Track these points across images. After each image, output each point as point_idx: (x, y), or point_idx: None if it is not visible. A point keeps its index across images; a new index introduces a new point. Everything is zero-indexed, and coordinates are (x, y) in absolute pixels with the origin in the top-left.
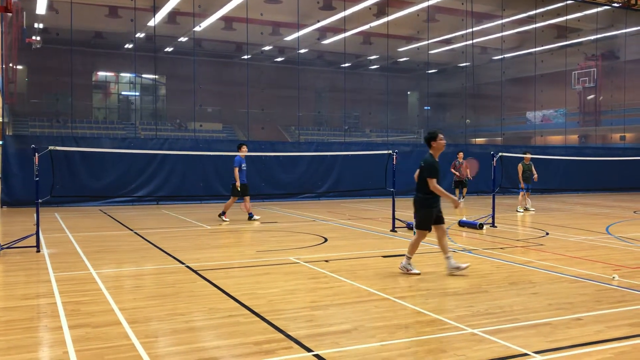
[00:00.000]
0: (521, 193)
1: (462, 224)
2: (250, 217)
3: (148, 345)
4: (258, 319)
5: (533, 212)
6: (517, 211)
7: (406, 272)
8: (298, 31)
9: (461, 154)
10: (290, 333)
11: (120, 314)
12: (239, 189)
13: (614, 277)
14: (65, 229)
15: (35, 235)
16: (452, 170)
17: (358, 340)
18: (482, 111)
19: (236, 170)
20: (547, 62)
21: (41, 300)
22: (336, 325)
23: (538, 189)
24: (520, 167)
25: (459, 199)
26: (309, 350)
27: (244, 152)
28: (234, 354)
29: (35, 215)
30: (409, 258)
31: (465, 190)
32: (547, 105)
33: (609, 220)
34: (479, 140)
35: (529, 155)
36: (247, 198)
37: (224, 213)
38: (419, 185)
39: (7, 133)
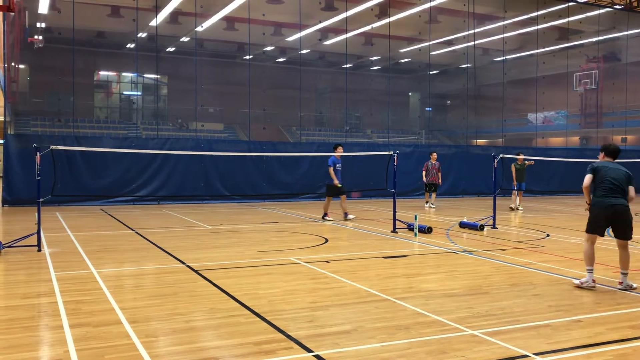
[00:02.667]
0: (513, 192)
1: (463, 225)
2: (346, 216)
3: (148, 345)
4: (258, 319)
5: (520, 212)
6: (510, 208)
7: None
8: (300, 32)
9: (434, 155)
10: (290, 333)
11: (121, 313)
12: (335, 189)
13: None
14: (66, 228)
15: (36, 235)
16: (424, 171)
17: (358, 340)
18: (483, 112)
19: (331, 169)
20: (549, 64)
21: (42, 299)
22: (336, 325)
23: (539, 191)
24: (512, 167)
25: (427, 203)
26: (309, 350)
27: (340, 152)
28: (234, 354)
29: (36, 214)
30: (625, 274)
31: (434, 195)
32: (548, 106)
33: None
34: (480, 142)
35: (521, 156)
36: (344, 197)
37: (325, 214)
38: (623, 194)
39: (8, 132)
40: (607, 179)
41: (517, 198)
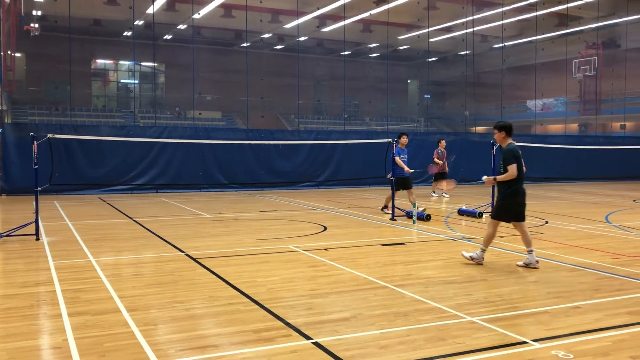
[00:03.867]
0: None
1: (461, 212)
2: (416, 211)
3: (147, 333)
4: (257, 306)
5: None
6: None
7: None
8: (298, 19)
9: (443, 142)
10: (289, 321)
11: (120, 301)
12: (398, 182)
13: None
14: (64, 217)
15: (34, 223)
16: (436, 159)
17: (357, 328)
18: (482, 99)
19: (397, 159)
20: (548, 50)
21: (41, 288)
22: (335, 313)
23: (538, 178)
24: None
25: (434, 192)
26: (308, 338)
27: (404, 141)
28: (233, 342)
29: (34, 203)
30: (531, 251)
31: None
32: (547, 93)
33: (608, 209)
34: (479, 129)
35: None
36: (411, 191)
37: (385, 206)
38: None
39: (5, 121)
40: (520, 167)
41: None
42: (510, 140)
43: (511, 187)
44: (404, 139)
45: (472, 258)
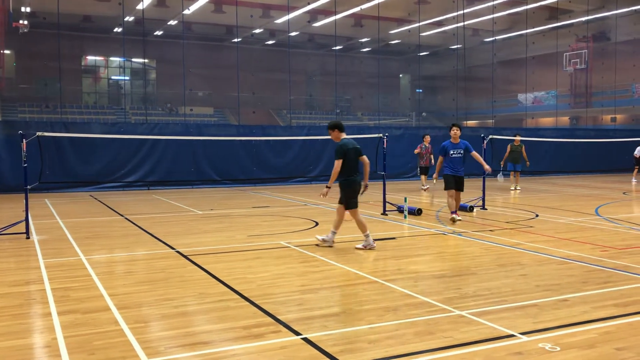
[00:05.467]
0: (511, 172)
1: None
2: (453, 215)
3: (138, 331)
4: (248, 303)
5: (518, 191)
6: (512, 189)
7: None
8: (288, 13)
9: (428, 137)
10: (279, 317)
11: (110, 299)
12: (446, 179)
13: None
14: (55, 215)
15: (24, 222)
16: (416, 152)
17: (347, 323)
18: (473, 94)
19: (439, 160)
20: (539, 44)
21: (31, 286)
22: (325, 308)
23: (528, 171)
24: (508, 147)
25: (424, 185)
26: (297, 333)
27: (455, 133)
28: (224, 338)
29: (24, 201)
30: (368, 235)
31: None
32: (538, 87)
33: (598, 201)
34: (471, 123)
35: (518, 138)
36: (458, 193)
37: (454, 212)
38: (358, 168)
39: None
40: (352, 160)
41: (514, 178)
42: (343, 136)
43: (345, 179)
44: (455, 131)
45: (324, 240)
